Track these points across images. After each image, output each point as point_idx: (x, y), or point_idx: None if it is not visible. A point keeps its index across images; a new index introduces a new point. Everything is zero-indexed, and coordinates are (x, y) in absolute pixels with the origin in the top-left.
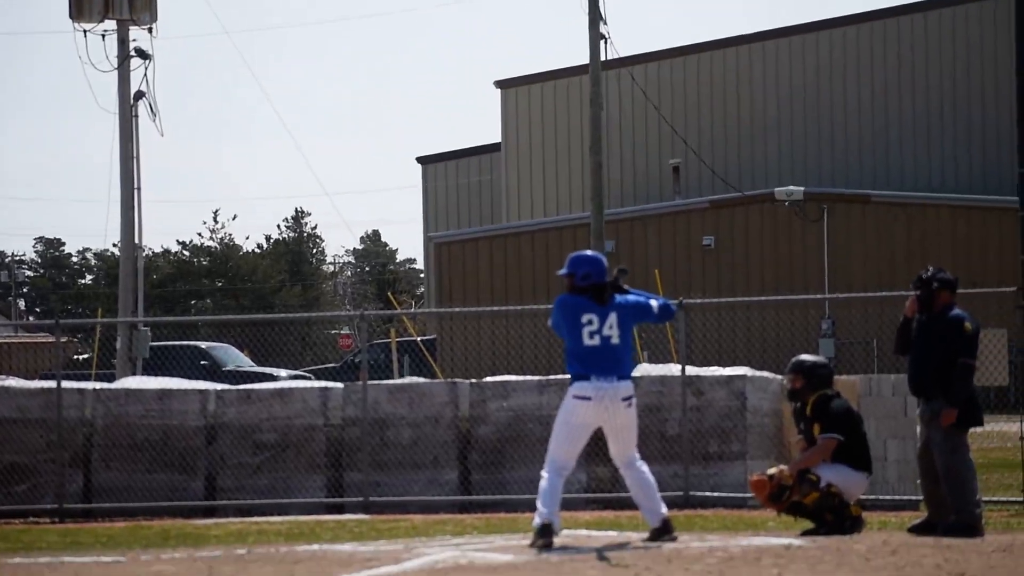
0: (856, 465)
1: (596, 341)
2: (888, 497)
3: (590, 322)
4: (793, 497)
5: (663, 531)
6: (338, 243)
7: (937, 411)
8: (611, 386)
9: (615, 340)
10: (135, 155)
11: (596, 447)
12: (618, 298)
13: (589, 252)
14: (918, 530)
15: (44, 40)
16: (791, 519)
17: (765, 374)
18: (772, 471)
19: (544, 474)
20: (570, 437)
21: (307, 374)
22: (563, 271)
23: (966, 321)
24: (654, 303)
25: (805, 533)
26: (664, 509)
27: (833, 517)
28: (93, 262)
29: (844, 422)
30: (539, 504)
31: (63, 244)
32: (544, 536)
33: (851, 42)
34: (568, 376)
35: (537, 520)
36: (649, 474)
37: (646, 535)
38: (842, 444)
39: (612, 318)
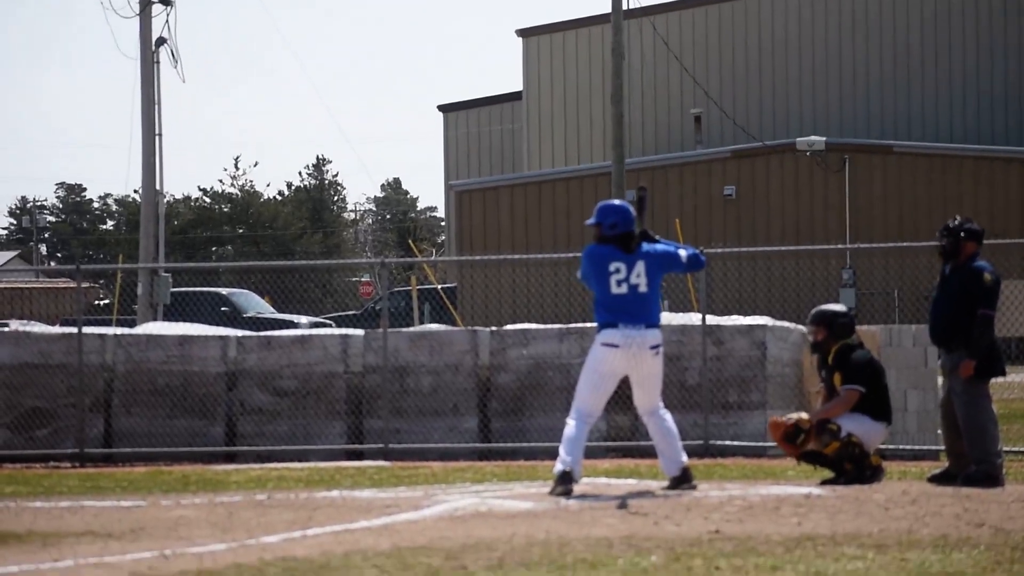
0: (876, 415)
1: (624, 289)
2: (908, 447)
3: (618, 270)
4: (809, 443)
5: (683, 480)
6: (359, 191)
7: (957, 362)
8: (639, 334)
9: (643, 288)
10: (156, 101)
11: (616, 395)
12: (646, 247)
13: (616, 201)
14: (938, 480)
15: None
16: (811, 468)
17: (785, 324)
18: (792, 416)
19: (570, 421)
20: (597, 385)
21: (328, 321)
22: (591, 221)
23: (986, 272)
24: (683, 252)
25: (825, 482)
26: (685, 458)
27: (853, 467)
28: (114, 208)
29: (866, 372)
30: (562, 451)
31: (84, 190)
32: (564, 483)
33: None
34: (593, 325)
35: (558, 467)
36: (672, 423)
37: (666, 483)
38: (863, 395)
39: (640, 267)
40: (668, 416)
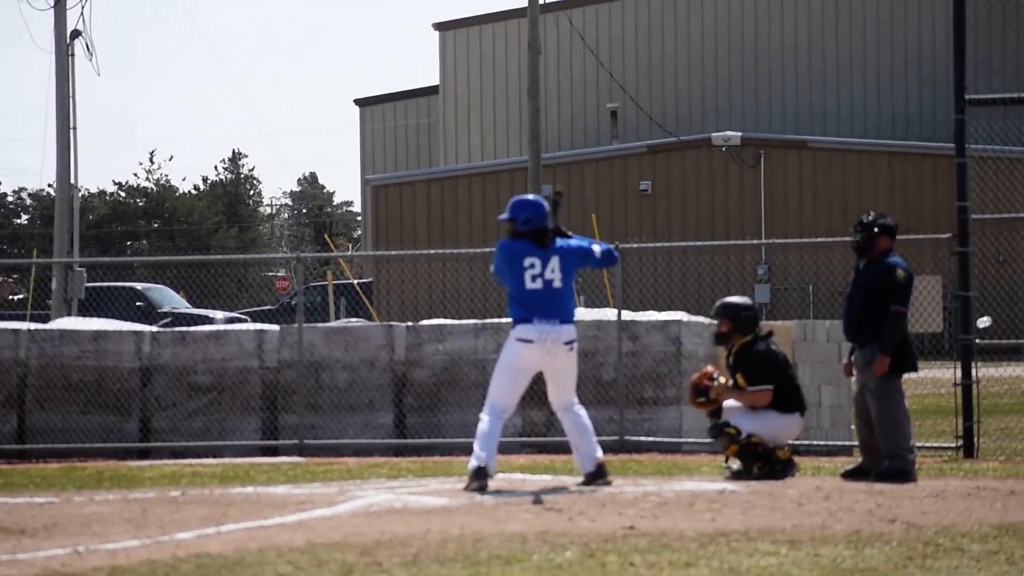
0: (784, 408)
1: (538, 284)
2: (822, 443)
3: (532, 266)
4: (705, 407)
5: (597, 475)
6: (275, 185)
7: (871, 358)
8: (553, 329)
9: (557, 284)
10: (71, 94)
11: (531, 391)
12: (560, 242)
13: (530, 196)
14: (851, 476)
15: None
16: (723, 464)
17: (701, 319)
18: (720, 380)
19: (483, 416)
20: (511, 380)
21: (243, 316)
22: (504, 216)
23: (899, 268)
24: (596, 248)
25: (735, 475)
26: (600, 453)
27: (762, 465)
28: (28, 202)
29: (769, 368)
30: (476, 447)
31: None
32: (479, 479)
33: None
34: (508, 320)
35: (473, 463)
36: (586, 418)
37: (581, 479)
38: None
39: (554, 262)
40: (583, 412)
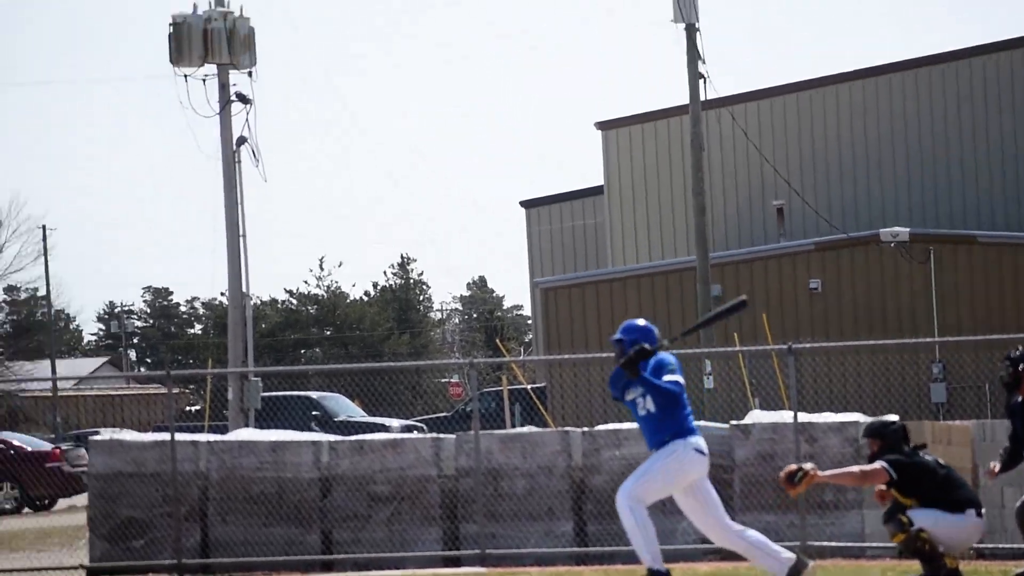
0: (949, 508)
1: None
2: (1007, 546)
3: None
4: (801, 487)
5: (798, 568)
6: (445, 289)
7: None
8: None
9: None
10: (239, 202)
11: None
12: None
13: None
14: None
15: (146, 86)
16: (907, 566)
17: None
18: (806, 465)
19: (625, 507)
20: (668, 483)
21: (419, 424)
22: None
23: None
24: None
25: None
26: (786, 553)
27: (925, 565)
28: (201, 311)
29: (919, 476)
30: (640, 549)
31: (171, 293)
32: None
33: (955, 78)
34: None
35: (653, 565)
36: (752, 531)
37: None
38: (928, 495)
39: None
40: (746, 529)
